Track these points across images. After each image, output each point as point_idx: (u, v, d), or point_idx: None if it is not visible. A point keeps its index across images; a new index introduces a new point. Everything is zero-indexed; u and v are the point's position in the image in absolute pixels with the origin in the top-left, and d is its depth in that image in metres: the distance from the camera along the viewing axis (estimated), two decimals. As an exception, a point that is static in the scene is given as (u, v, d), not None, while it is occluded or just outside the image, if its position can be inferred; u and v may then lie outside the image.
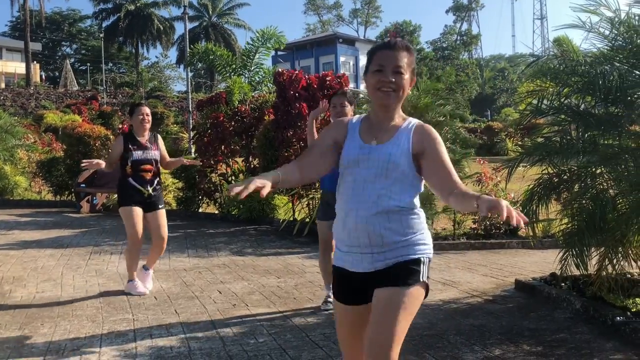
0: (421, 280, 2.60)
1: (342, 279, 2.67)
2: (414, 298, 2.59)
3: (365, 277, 2.60)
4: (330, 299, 5.17)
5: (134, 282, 6.21)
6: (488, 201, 2.18)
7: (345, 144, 2.64)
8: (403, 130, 2.61)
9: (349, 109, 5.26)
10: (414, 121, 2.65)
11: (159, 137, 6.48)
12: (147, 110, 6.28)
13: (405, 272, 2.55)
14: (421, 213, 2.75)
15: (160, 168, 6.41)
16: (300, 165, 2.61)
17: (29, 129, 21.77)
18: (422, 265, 2.60)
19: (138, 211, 6.10)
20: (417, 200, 2.76)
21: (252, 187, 2.28)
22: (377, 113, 2.65)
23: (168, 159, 6.49)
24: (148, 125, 6.24)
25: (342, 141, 2.66)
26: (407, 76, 2.55)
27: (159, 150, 6.30)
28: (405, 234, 2.59)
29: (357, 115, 2.77)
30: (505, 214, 2.09)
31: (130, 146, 6.12)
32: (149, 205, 6.20)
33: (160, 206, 6.30)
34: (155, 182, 6.25)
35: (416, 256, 2.59)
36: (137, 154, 6.12)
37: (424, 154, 2.59)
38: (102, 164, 6.14)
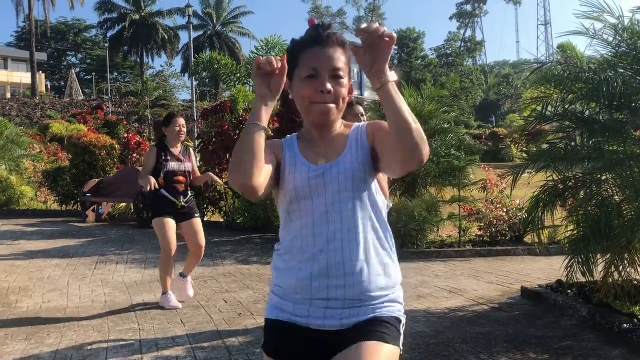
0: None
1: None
2: None
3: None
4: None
5: (167, 295, 6.09)
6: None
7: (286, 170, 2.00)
8: (353, 136, 2.01)
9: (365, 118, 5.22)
10: (362, 124, 2.04)
11: (191, 149, 6.41)
12: (183, 121, 6.21)
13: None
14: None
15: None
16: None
17: (34, 139, 21.87)
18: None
19: (171, 223, 6.02)
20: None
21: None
22: (311, 131, 2.04)
23: (198, 173, 6.43)
24: (183, 137, 6.20)
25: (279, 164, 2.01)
26: (346, 81, 1.95)
27: (191, 163, 6.23)
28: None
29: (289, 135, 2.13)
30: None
31: (163, 157, 6.04)
32: (183, 216, 6.14)
33: (196, 215, 6.27)
34: (189, 193, 6.18)
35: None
36: (171, 166, 6.04)
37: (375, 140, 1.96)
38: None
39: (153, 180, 5.81)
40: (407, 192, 9.96)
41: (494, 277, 7.34)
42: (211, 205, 13.10)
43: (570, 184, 5.64)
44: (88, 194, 13.64)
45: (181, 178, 6.08)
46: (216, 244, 10.23)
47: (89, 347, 4.76)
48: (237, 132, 12.38)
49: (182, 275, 6.39)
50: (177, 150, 6.13)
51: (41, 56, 68.95)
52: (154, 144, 6.66)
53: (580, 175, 5.57)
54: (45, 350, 4.67)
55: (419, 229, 8.88)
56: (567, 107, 5.87)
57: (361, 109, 5.19)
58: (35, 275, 7.75)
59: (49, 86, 72.66)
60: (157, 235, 6.12)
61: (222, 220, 12.81)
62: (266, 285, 7.00)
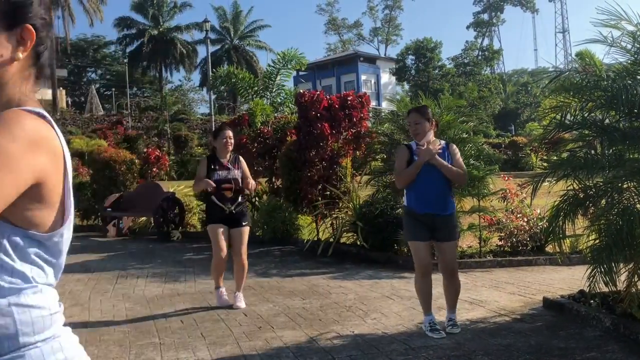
0: None
1: None
2: None
3: None
4: (437, 326, 5.32)
5: (219, 290, 6.76)
6: None
7: None
8: None
9: (426, 126, 5.37)
10: None
11: (241, 158, 6.89)
12: (230, 133, 6.76)
13: None
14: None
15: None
16: None
17: (56, 154, 22.08)
18: None
19: (222, 229, 6.50)
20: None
21: None
22: None
23: (250, 180, 6.81)
24: (230, 147, 6.74)
25: None
26: None
27: (240, 170, 6.68)
28: None
29: None
30: None
31: (212, 167, 6.60)
32: (233, 222, 6.57)
33: (243, 223, 6.64)
34: (238, 199, 6.62)
35: None
36: (219, 174, 6.56)
37: None
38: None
39: (210, 181, 6.44)
40: (426, 203, 9.92)
41: (515, 288, 7.28)
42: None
43: (591, 192, 5.59)
44: (109, 209, 13.75)
45: (228, 185, 6.55)
46: (236, 257, 10.23)
47: (111, 362, 4.78)
48: (255, 144, 12.44)
49: (235, 292, 6.73)
50: (226, 160, 6.67)
51: (61, 72, 69.72)
52: (204, 155, 7.38)
53: (601, 183, 5.52)
54: (67, 365, 4.70)
55: (438, 239, 8.82)
56: (586, 115, 5.82)
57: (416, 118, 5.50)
58: (57, 289, 7.79)
59: (69, 102, 73.45)
60: (211, 239, 6.62)
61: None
62: (285, 298, 7.00)
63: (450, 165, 5.26)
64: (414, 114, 5.40)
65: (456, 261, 5.64)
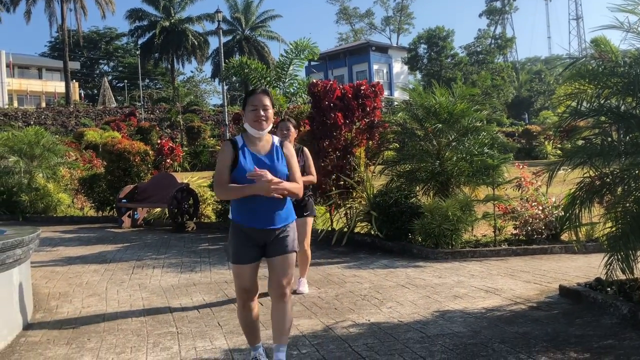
0: None
1: None
2: None
3: None
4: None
5: (300, 280, 6.83)
6: None
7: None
8: None
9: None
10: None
11: (306, 150, 6.79)
12: (287, 125, 6.73)
13: None
14: None
15: (311, 179, 6.66)
16: None
17: (70, 146, 22.21)
18: None
19: None
20: None
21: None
22: None
23: (312, 169, 6.72)
24: (291, 139, 6.66)
25: None
26: None
27: (302, 162, 6.53)
28: None
29: None
30: None
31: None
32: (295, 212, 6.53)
33: (305, 213, 6.68)
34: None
35: None
36: None
37: None
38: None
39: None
40: (440, 192, 9.91)
41: (531, 276, 7.26)
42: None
43: (608, 180, 5.55)
44: (123, 200, 13.83)
45: None
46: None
47: (129, 351, 4.82)
48: (269, 135, 12.43)
49: (299, 278, 6.86)
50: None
51: (74, 65, 70.19)
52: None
53: (618, 171, 5.48)
54: (87, 355, 4.75)
55: (453, 228, 8.82)
56: (602, 102, 5.78)
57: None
58: (74, 280, 7.88)
59: (82, 94, 73.93)
60: None
61: (255, 223, 12.86)
62: (300, 287, 7.01)
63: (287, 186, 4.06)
64: (262, 96, 4.17)
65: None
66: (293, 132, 6.74)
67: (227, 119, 29.19)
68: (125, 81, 75.61)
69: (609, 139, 5.69)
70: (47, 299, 6.84)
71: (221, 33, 30.42)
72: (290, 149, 4.28)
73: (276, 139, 4.27)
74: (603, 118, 5.84)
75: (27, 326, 5.64)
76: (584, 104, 5.93)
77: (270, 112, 4.18)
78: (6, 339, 5.11)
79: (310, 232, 6.92)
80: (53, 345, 5.05)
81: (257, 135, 4.18)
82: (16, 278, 5.42)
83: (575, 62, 6.24)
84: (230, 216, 4.23)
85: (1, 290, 5.14)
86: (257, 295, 4.26)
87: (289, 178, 4.15)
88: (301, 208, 6.54)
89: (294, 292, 6.59)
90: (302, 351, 4.66)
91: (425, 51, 61.74)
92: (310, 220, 6.87)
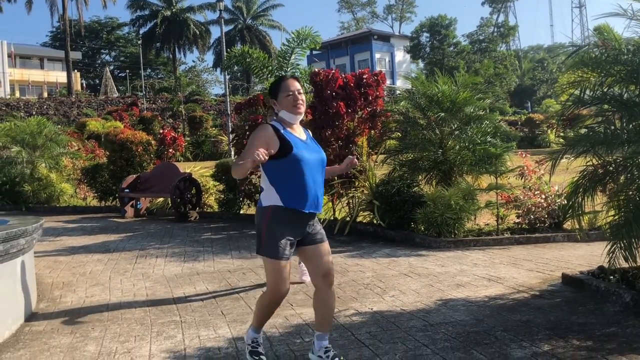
0: None
1: None
2: None
3: None
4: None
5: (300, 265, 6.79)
6: None
7: None
8: None
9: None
10: None
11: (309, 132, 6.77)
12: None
13: None
14: None
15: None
16: None
17: (72, 136, 22.23)
18: None
19: None
20: None
21: None
22: None
23: None
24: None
25: None
26: None
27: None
28: None
29: None
30: None
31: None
32: None
33: None
34: None
35: None
36: None
37: None
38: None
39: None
40: (443, 181, 9.91)
41: (534, 265, 7.26)
42: (247, 199, 13.20)
43: (611, 168, 5.55)
44: (126, 190, 13.86)
45: None
46: (253, 237, 10.30)
47: (133, 340, 4.85)
48: (271, 124, 12.42)
49: (299, 263, 6.84)
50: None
51: (76, 55, 70.07)
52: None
53: (621, 159, 5.47)
54: (91, 344, 4.77)
55: (455, 217, 8.82)
56: (605, 90, 5.76)
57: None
58: (77, 270, 7.91)
59: (84, 84, 73.88)
60: None
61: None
62: (304, 276, 7.03)
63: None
64: (294, 81, 4.10)
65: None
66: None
67: (229, 109, 29.12)
68: (127, 71, 75.50)
69: (612, 127, 5.67)
70: (51, 288, 6.87)
71: (223, 22, 30.27)
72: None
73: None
74: (606, 106, 5.82)
75: (31, 316, 5.67)
76: (587, 92, 5.92)
77: (304, 96, 4.09)
78: (10, 328, 5.13)
79: None
80: (57, 334, 5.08)
81: (294, 121, 4.06)
82: (20, 268, 5.44)
83: (578, 50, 6.22)
84: (265, 203, 3.99)
85: (5, 280, 5.16)
86: None
87: None
88: None
89: (298, 282, 6.61)
90: (305, 339, 4.68)
91: (428, 40, 61.55)
92: None
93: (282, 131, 3.98)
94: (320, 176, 4.05)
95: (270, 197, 3.97)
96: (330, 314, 4.11)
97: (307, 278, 6.74)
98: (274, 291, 3.99)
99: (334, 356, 4.01)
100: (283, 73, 13.93)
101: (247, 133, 12.44)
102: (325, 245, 4.10)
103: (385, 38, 72.26)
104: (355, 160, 4.50)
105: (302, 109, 4.05)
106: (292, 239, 3.96)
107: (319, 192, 4.02)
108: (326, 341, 4.10)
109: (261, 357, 4.18)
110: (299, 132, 4.10)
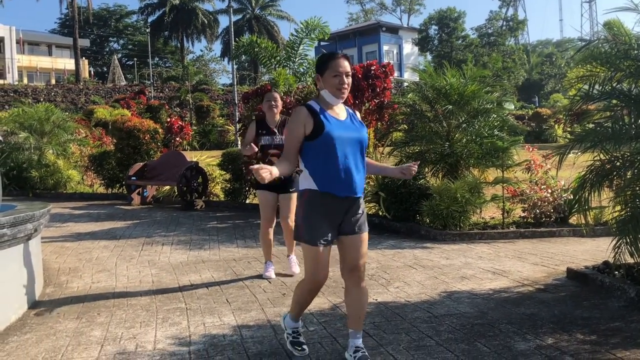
0: None
1: None
2: None
3: None
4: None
5: (266, 264, 6.68)
6: None
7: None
8: None
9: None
10: None
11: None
12: (274, 95, 6.58)
13: None
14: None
15: None
16: None
17: (80, 123, 22.28)
18: None
19: (268, 195, 6.52)
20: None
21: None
22: None
23: None
24: (276, 110, 6.53)
25: None
26: None
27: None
28: None
29: None
30: None
31: (260, 131, 6.51)
32: (281, 188, 6.46)
33: (290, 190, 6.52)
34: None
35: None
36: (265, 139, 6.47)
37: None
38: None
39: (252, 145, 6.36)
40: (450, 174, 9.89)
41: (539, 259, 7.27)
42: (252, 188, 13.22)
43: (618, 163, 5.54)
44: (133, 177, 13.90)
45: (274, 151, 6.40)
46: (258, 226, 10.28)
47: (139, 326, 4.88)
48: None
49: (288, 256, 6.88)
50: (274, 124, 6.52)
51: (84, 42, 70.10)
52: (253, 118, 7.09)
53: (628, 154, 5.46)
54: (96, 329, 4.81)
55: (461, 210, 8.82)
56: (614, 85, 5.75)
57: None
58: (84, 256, 7.95)
59: (92, 72, 73.92)
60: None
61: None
62: (292, 268, 7.03)
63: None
64: (345, 61, 3.84)
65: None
66: (280, 103, 6.59)
67: (236, 99, 29.13)
68: (135, 59, 75.55)
69: (620, 122, 5.66)
70: (57, 274, 6.91)
71: (231, 12, 30.27)
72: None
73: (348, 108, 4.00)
74: (615, 101, 5.81)
75: (38, 300, 5.71)
76: (596, 87, 5.90)
77: (350, 79, 3.87)
78: (17, 312, 5.17)
79: (294, 208, 6.66)
80: (63, 319, 5.11)
81: (335, 104, 3.84)
82: (27, 253, 5.48)
83: (587, 44, 6.19)
84: (302, 187, 3.87)
85: (12, 265, 5.19)
86: None
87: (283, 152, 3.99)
88: (288, 183, 6.44)
89: (288, 275, 6.62)
90: (309, 329, 4.70)
91: (436, 32, 61.32)
92: (294, 195, 6.52)
93: (318, 113, 3.80)
94: (358, 157, 3.81)
95: (306, 180, 3.84)
96: (359, 312, 3.86)
97: (296, 270, 6.71)
98: (312, 278, 3.83)
99: (361, 358, 3.79)
100: (291, 63, 13.94)
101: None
102: (360, 238, 3.83)
103: (393, 30, 72.01)
104: (415, 168, 4.04)
105: (346, 93, 3.82)
106: (329, 224, 3.77)
107: (355, 174, 3.77)
108: (359, 340, 3.87)
109: (303, 347, 4.11)
110: (337, 111, 3.88)
